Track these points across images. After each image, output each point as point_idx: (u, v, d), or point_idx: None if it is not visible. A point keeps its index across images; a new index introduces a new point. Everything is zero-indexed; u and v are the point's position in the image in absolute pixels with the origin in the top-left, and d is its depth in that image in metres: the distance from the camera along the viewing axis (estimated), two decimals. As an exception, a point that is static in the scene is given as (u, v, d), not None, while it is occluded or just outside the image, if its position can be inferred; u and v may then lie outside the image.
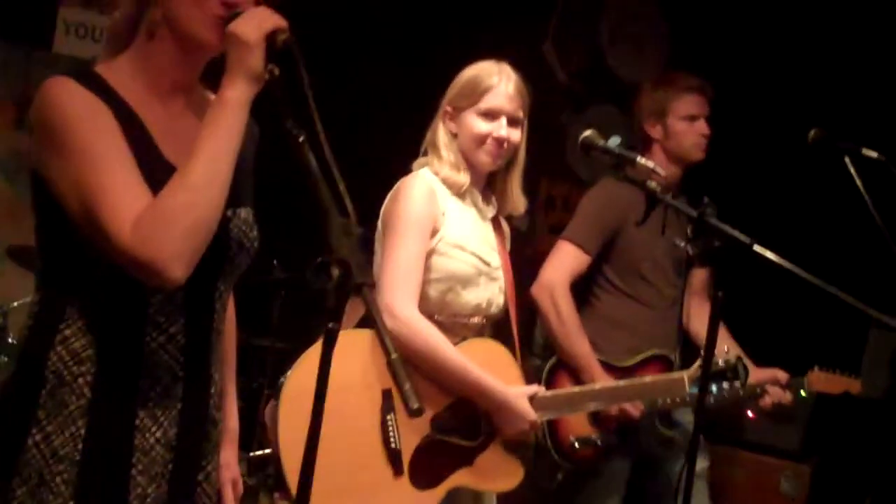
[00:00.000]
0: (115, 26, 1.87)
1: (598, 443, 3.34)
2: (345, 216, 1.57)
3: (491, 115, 2.76)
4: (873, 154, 3.06)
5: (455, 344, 2.69)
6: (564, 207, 5.57)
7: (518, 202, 2.89)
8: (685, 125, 3.53)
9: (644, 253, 3.54)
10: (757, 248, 2.11)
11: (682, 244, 2.12)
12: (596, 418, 3.34)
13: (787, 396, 3.45)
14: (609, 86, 5.46)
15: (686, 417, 3.62)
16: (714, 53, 4.81)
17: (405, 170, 2.82)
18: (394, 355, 1.49)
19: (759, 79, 4.86)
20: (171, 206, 1.67)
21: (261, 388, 4.63)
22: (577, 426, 3.32)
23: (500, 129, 2.75)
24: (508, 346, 2.88)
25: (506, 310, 2.87)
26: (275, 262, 4.74)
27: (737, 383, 3.21)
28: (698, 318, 3.68)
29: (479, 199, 2.85)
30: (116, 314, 1.77)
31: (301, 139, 1.65)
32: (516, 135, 2.79)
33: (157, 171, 1.75)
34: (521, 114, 2.80)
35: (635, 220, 3.46)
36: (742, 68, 4.82)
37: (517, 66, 2.81)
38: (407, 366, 1.57)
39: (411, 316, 2.59)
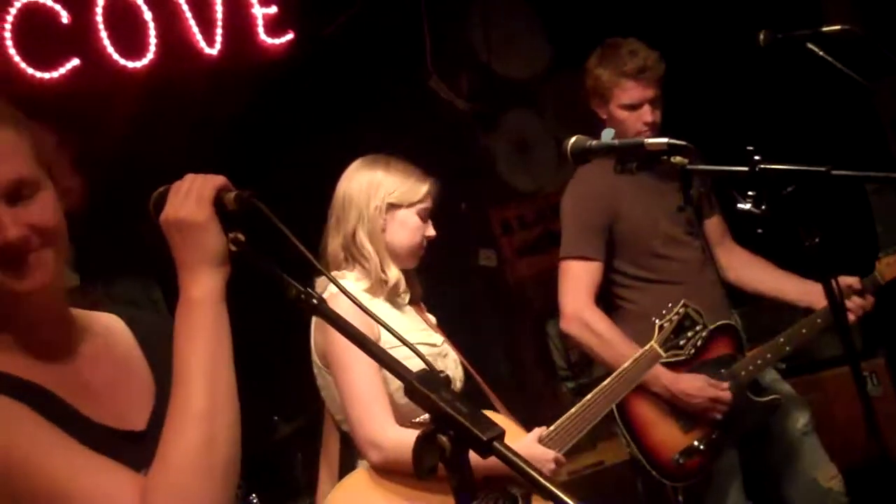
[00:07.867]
0: None
1: (702, 447, 3.10)
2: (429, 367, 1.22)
3: (425, 216, 2.72)
4: (835, 28, 2.79)
5: None
6: (522, 226, 5.34)
7: (419, 289, 2.82)
8: (626, 114, 3.21)
9: (649, 230, 3.22)
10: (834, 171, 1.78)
11: (747, 207, 1.77)
12: (687, 425, 3.09)
13: (869, 300, 3.13)
14: (507, 91, 5.21)
15: (769, 376, 3.35)
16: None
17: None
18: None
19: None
20: (187, 459, 1.29)
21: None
22: (672, 442, 3.09)
23: (430, 229, 2.74)
24: (487, 405, 2.77)
25: (468, 376, 2.77)
26: (275, 417, 4.33)
27: None
28: (743, 266, 3.44)
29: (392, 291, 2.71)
30: None
31: (316, 302, 1.29)
32: None
33: (92, 440, 1.36)
34: None
35: (627, 200, 3.18)
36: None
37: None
38: None
39: (395, 437, 2.45)
